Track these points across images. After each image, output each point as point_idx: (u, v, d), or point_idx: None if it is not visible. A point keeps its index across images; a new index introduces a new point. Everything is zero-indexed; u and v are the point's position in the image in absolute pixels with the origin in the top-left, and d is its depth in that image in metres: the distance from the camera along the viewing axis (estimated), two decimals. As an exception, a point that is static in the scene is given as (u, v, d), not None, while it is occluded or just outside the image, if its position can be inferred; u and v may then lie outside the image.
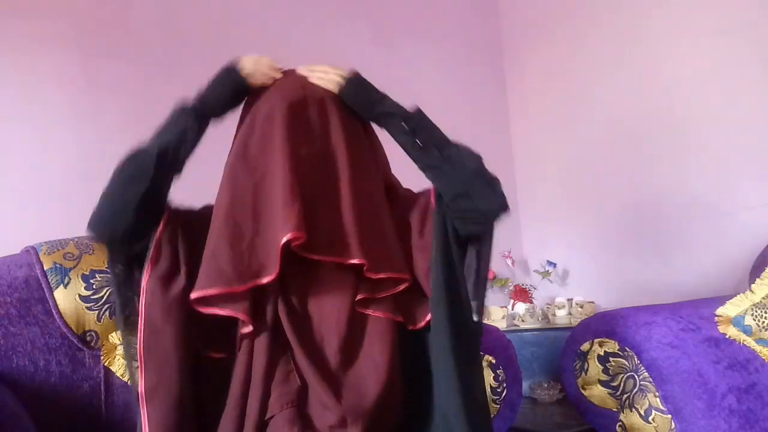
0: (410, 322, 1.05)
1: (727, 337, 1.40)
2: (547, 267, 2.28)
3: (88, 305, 1.35)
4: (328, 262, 1.02)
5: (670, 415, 1.31)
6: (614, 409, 1.40)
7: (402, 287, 1.05)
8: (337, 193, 1.03)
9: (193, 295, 0.96)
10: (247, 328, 1.00)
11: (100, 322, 1.36)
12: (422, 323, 1.05)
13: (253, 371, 0.98)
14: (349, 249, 1.00)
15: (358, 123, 1.11)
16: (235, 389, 0.97)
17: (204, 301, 0.97)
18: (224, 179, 1.06)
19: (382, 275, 1.02)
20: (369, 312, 1.04)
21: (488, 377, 1.44)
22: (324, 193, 1.02)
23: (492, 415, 1.44)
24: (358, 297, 1.03)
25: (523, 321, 2.11)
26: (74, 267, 1.36)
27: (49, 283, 1.33)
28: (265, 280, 0.97)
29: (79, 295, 1.34)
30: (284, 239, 0.95)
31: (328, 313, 1.03)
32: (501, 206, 1.02)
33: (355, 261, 1.00)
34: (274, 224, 0.97)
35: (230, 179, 1.04)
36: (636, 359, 1.36)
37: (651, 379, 1.34)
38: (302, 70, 1.11)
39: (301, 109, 1.05)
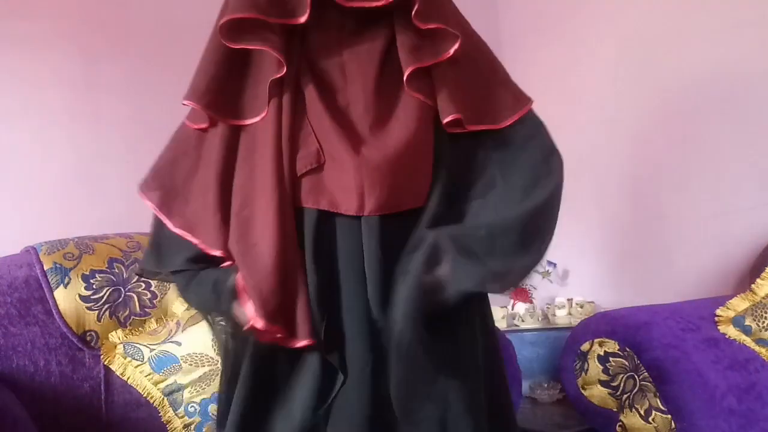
0: (472, 120, 0.91)
1: (727, 337, 1.40)
2: (547, 267, 2.28)
3: (88, 305, 1.35)
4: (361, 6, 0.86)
5: (670, 415, 1.31)
6: (614, 409, 1.40)
7: (453, 50, 0.89)
8: None
9: (224, 19, 0.88)
10: (280, 72, 0.87)
11: (100, 322, 1.36)
12: (479, 126, 0.91)
13: (282, 130, 0.88)
14: None
15: None
16: (267, 150, 0.88)
17: (234, 33, 0.89)
18: None
19: (432, 26, 0.87)
20: (412, 92, 0.89)
21: (488, 377, 1.45)
22: None
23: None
24: (407, 71, 0.87)
25: (523, 321, 2.11)
26: (74, 267, 1.36)
27: (49, 283, 1.33)
28: (301, 19, 0.85)
29: (79, 295, 1.34)
30: None
31: (353, 77, 0.90)
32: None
33: None
34: None
35: None
36: (636, 359, 1.36)
37: (651, 379, 1.34)
38: None
39: None
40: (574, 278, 2.35)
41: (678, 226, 2.00)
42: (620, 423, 1.38)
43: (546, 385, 1.96)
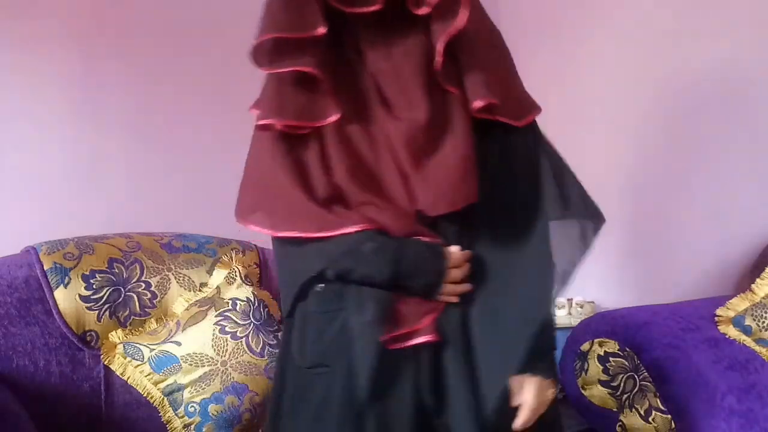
0: (507, 115, 0.93)
1: (727, 337, 1.40)
2: (547, 267, 2.28)
3: (88, 305, 1.35)
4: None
5: (670, 415, 1.31)
6: (614, 409, 1.40)
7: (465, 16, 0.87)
8: None
9: (253, 46, 0.89)
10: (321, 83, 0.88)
11: (100, 322, 1.36)
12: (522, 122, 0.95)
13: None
14: None
15: None
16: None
17: (266, 57, 0.89)
18: None
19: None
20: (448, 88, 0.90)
21: (488, 377, 1.44)
22: None
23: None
24: (438, 58, 0.87)
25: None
26: (74, 267, 1.36)
27: (49, 283, 1.33)
28: (320, 30, 0.86)
29: (79, 295, 1.34)
30: None
31: (403, 78, 0.91)
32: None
33: None
34: None
35: None
36: (636, 359, 1.36)
37: (651, 379, 1.34)
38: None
39: None
40: (574, 278, 2.34)
41: (678, 226, 2.00)
42: (620, 423, 1.38)
43: (546, 385, 1.96)
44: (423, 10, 0.87)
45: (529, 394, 0.89)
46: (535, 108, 1.00)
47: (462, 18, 0.86)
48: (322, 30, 0.86)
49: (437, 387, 0.87)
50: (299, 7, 0.87)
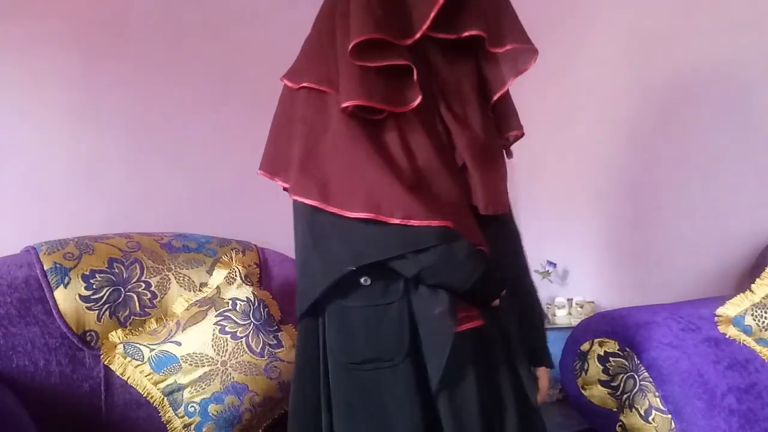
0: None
1: (727, 337, 1.40)
2: (547, 267, 2.28)
3: (88, 305, 1.35)
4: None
5: (670, 415, 1.31)
6: (614, 409, 1.40)
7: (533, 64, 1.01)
8: None
9: (352, 42, 0.90)
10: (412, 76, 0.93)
11: (100, 322, 1.36)
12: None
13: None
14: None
15: None
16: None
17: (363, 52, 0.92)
18: None
19: (508, 47, 0.99)
20: None
21: (488, 377, 1.45)
22: None
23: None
24: (494, 97, 1.04)
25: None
26: (74, 267, 1.36)
27: (49, 283, 1.33)
28: (418, 34, 0.93)
29: (79, 295, 1.34)
30: None
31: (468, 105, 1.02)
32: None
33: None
34: None
35: None
36: (636, 359, 1.36)
37: (651, 379, 1.34)
38: None
39: None
40: (574, 278, 2.35)
41: (678, 226, 2.00)
42: (620, 423, 1.38)
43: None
44: (500, 49, 0.99)
45: (544, 381, 1.11)
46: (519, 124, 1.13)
47: (532, 64, 1.01)
48: (416, 37, 0.94)
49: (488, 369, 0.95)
50: (397, 9, 0.94)
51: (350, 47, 0.90)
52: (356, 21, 0.91)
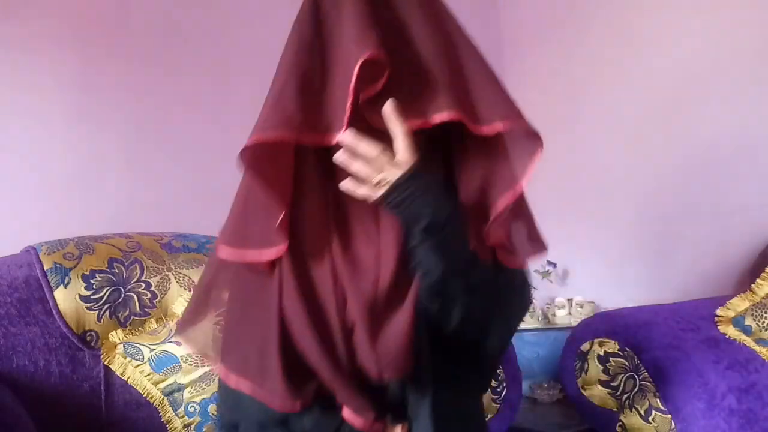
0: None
1: (727, 337, 1.40)
2: (547, 267, 2.28)
3: (88, 305, 1.35)
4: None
5: (670, 415, 1.31)
6: (614, 409, 1.40)
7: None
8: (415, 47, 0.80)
9: (251, 141, 0.78)
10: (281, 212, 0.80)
11: (100, 321, 1.36)
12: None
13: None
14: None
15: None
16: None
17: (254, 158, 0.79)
18: (290, 38, 0.86)
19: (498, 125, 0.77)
20: None
21: (488, 377, 1.45)
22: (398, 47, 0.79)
23: (492, 415, 1.44)
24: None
25: (523, 321, 2.10)
26: (74, 267, 1.36)
27: (49, 283, 1.33)
28: (334, 139, 0.76)
29: (79, 295, 1.34)
30: (361, 60, 0.73)
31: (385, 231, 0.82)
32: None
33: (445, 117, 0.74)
34: (345, 67, 0.76)
35: (296, 34, 0.85)
36: (636, 359, 1.36)
37: (651, 379, 1.34)
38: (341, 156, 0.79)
39: None
40: (574, 278, 2.35)
41: (678, 226, 2.00)
42: (620, 423, 1.38)
43: (546, 385, 1.96)
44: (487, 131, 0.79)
45: None
46: None
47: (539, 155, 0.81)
48: (338, 135, 0.77)
49: None
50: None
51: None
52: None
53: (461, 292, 0.80)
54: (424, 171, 0.78)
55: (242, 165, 0.79)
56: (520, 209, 0.86)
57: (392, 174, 0.77)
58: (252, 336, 0.85)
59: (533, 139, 0.80)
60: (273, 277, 0.83)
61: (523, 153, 0.81)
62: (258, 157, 0.79)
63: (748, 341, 1.39)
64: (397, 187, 0.77)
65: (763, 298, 1.42)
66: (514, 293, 0.91)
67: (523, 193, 0.83)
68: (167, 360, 1.38)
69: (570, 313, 2.11)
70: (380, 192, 0.78)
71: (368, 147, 0.76)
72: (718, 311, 1.44)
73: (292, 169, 0.83)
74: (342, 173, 0.79)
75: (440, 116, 0.76)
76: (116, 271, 1.41)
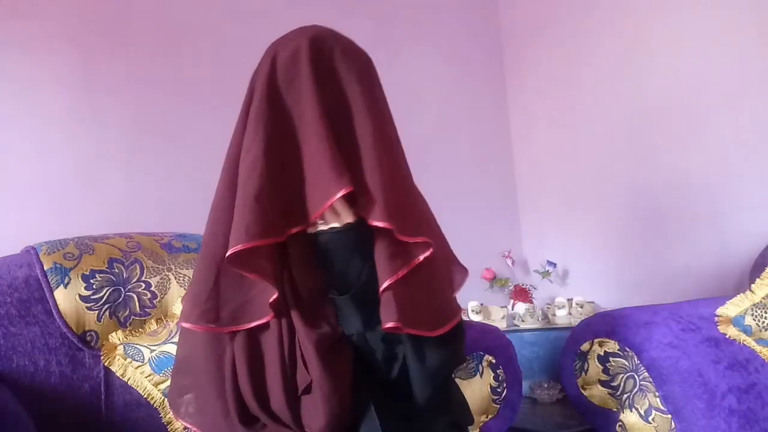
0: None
1: (727, 337, 1.40)
2: (547, 267, 2.28)
3: (88, 305, 1.35)
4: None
5: (670, 415, 1.31)
6: (614, 409, 1.40)
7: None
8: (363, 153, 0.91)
9: (234, 251, 0.88)
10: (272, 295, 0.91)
11: (100, 322, 1.36)
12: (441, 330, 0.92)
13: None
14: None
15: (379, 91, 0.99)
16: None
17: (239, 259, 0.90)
18: (250, 125, 0.97)
19: (419, 239, 0.89)
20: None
21: (488, 377, 1.44)
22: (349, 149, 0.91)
23: (492, 416, 1.44)
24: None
25: (523, 321, 2.11)
26: (74, 267, 1.36)
27: (49, 283, 1.33)
28: (295, 229, 0.89)
29: (79, 295, 1.34)
30: (339, 194, 0.85)
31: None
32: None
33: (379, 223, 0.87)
34: (319, 177, 0.88)
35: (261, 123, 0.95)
36: (636, 359, 1.36)
37: (651, 379, 1.34)
38: None
39: (323, 46, 0.99)
40: (574, 278, 2.35)
41: (678, 226, 2.00)
42: (620, 423, 1.38)
43: (546, 385, 1.96)
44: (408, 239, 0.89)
45: None
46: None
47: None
48: (305, 227, 0.92)
49: None
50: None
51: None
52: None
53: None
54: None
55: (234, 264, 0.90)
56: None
57: None
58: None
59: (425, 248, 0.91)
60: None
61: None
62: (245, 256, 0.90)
63: (748, 341, 1.39)
64: None
65: (762, 298, 1.42)
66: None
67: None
68: (168, 361, 1.37)
69: (570, 313, 2.12)
70: None
71: None
72: (718, 311, 1.44)
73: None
74: (297, 261, 0.94)
75: (378, 223, 0.87)
76: (116, 271, 1.41)
